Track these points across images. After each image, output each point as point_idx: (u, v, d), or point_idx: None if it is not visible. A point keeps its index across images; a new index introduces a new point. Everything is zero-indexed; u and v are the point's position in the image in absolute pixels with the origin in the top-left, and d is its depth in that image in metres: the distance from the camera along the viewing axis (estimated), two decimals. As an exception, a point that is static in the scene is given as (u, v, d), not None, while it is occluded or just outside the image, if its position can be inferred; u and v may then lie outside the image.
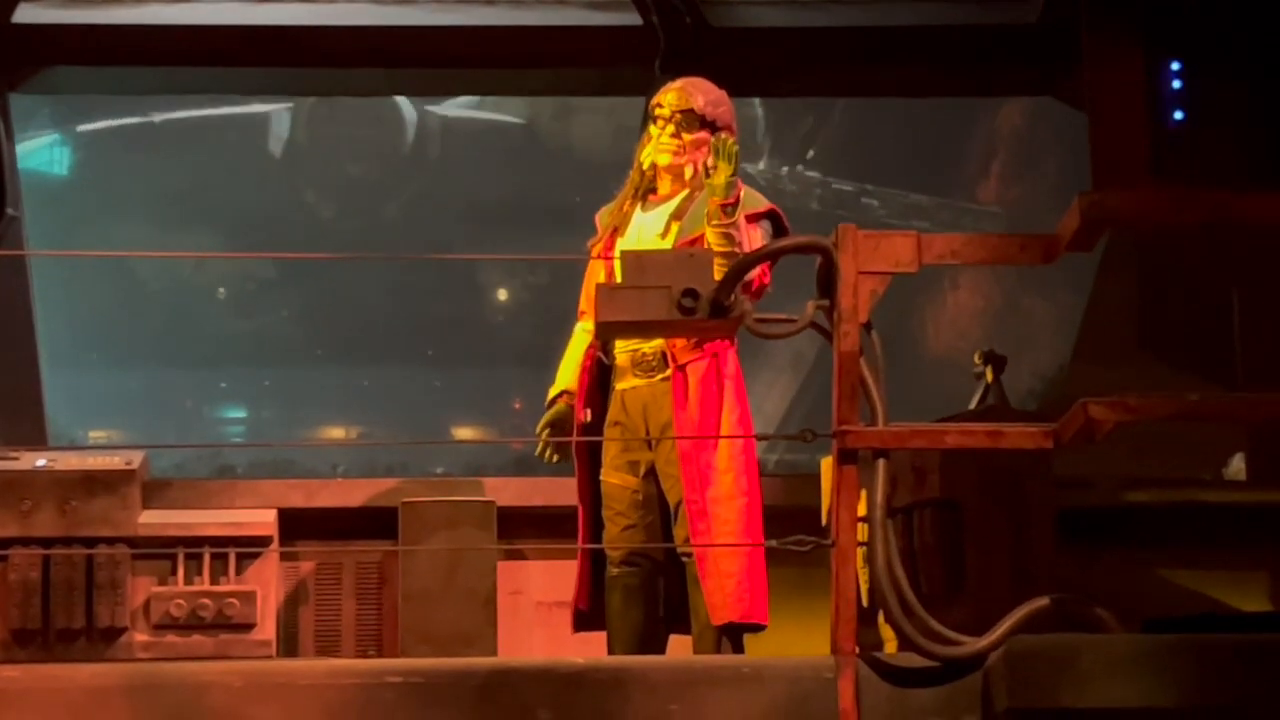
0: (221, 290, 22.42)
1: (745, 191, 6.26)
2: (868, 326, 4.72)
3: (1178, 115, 10.08)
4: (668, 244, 6.16)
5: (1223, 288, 10.06)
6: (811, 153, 21.59)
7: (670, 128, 6.32)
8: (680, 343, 6.07)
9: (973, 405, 6.67)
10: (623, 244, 6.20)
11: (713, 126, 6.33)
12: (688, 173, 6.31)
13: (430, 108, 21.21)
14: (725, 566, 6.01)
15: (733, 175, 6.01)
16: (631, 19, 10.25)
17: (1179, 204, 4.94)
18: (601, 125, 20.25)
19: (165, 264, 21.95)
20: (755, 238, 6.13)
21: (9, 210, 10.12)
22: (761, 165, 21.11)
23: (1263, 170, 9.71)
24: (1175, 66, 10.08)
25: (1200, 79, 10.07)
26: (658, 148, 6.33)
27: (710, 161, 6.09)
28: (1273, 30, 9.79)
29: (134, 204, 21.04)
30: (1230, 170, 9.75)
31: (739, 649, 6.05)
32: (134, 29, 10.17)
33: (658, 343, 6.12)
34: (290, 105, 21.25)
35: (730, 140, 6.07)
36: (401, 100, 20.89)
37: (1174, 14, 10.01)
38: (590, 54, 10.43)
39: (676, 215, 6.25)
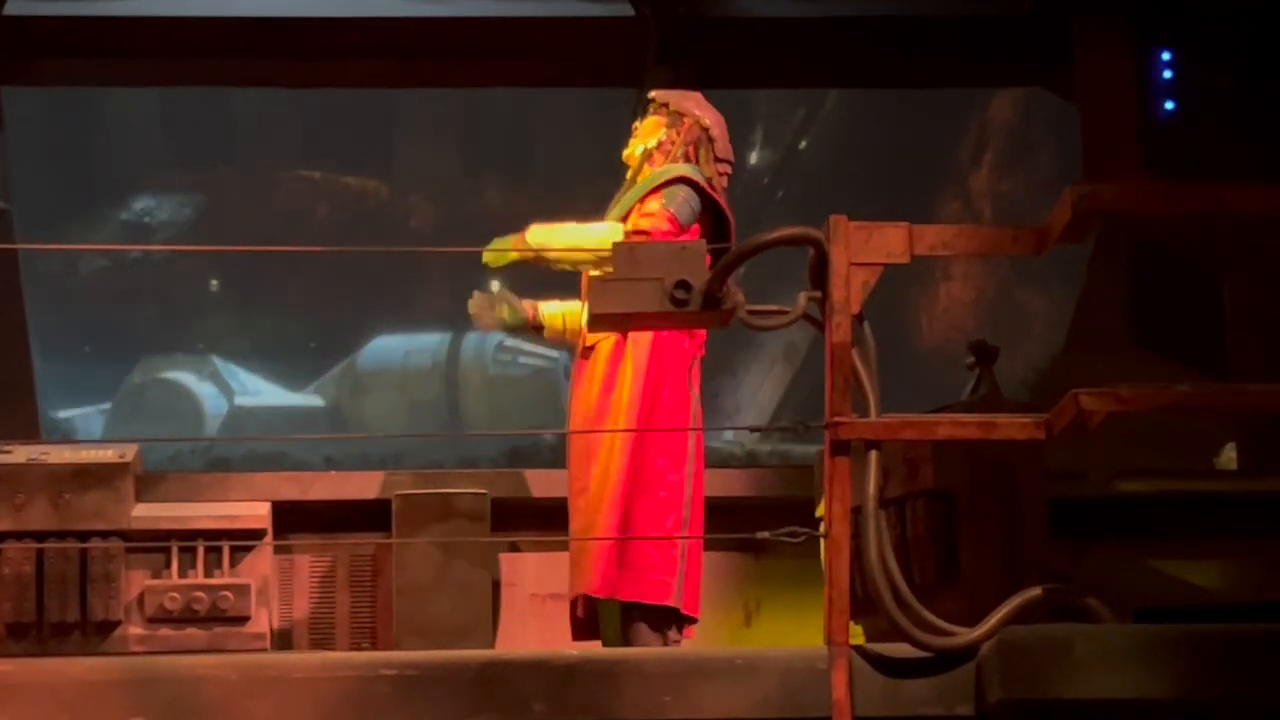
0: (214, 282, 22.42)
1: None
2: (860, 318, 4.73)
3: (1169, 106, 10.09)
4: None
5: (1213, 279, 10.08)
6: (803, 144, 21.56)
7: (635, 121, 6.39)
8: None
9: (965, 396, 6.67)
10: None
11: (665, 108, 6.34)
12: (636, 146, 6.31)
13: (239, 400, 21.41)
14: (588, 543, 5.97)
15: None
16: (624, 10, 10.25)
17: (1170, 195, 4.95)
18: (394, 401, 20.46)
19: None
20: (656, 206, 6.09)
21: (0, 203, 10.13)
22: (754, 157, 21.10)
23: (1254, 160, 9.72)
24: (1166, 57, 10.10)
25: (1191, 69, 10.08)
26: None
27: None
28: (1263, 20, 9.80)
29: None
30: (1221, 161, 9.76)
31: (653, 635, 5.97)
32: (128, 21, 10.15)
33: None
34: (105, 408, 21.31)
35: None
36: (209, 392, 21.17)
37: (1165, 4, 10.03)
38: (583, 45, 10.43)
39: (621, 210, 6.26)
